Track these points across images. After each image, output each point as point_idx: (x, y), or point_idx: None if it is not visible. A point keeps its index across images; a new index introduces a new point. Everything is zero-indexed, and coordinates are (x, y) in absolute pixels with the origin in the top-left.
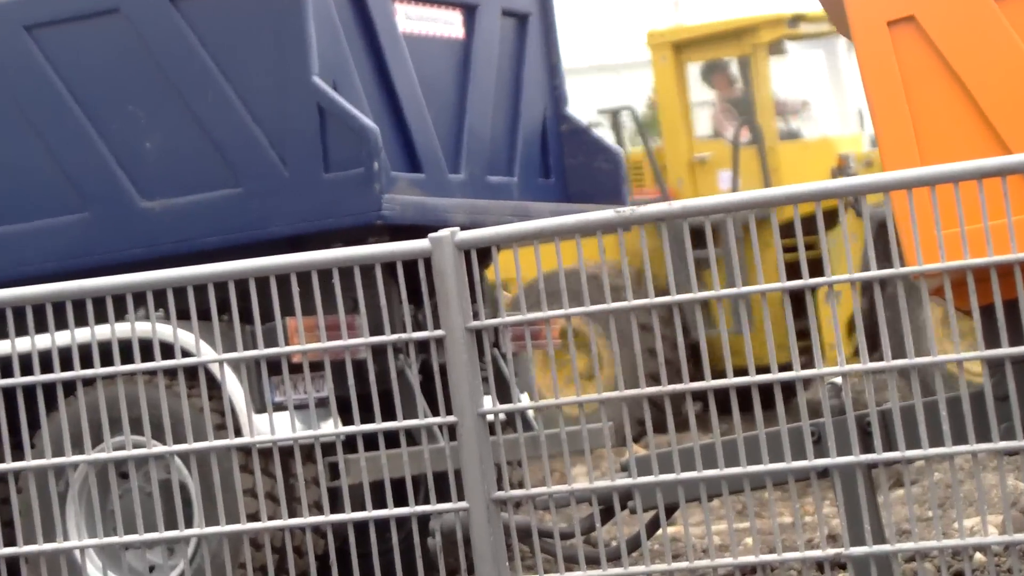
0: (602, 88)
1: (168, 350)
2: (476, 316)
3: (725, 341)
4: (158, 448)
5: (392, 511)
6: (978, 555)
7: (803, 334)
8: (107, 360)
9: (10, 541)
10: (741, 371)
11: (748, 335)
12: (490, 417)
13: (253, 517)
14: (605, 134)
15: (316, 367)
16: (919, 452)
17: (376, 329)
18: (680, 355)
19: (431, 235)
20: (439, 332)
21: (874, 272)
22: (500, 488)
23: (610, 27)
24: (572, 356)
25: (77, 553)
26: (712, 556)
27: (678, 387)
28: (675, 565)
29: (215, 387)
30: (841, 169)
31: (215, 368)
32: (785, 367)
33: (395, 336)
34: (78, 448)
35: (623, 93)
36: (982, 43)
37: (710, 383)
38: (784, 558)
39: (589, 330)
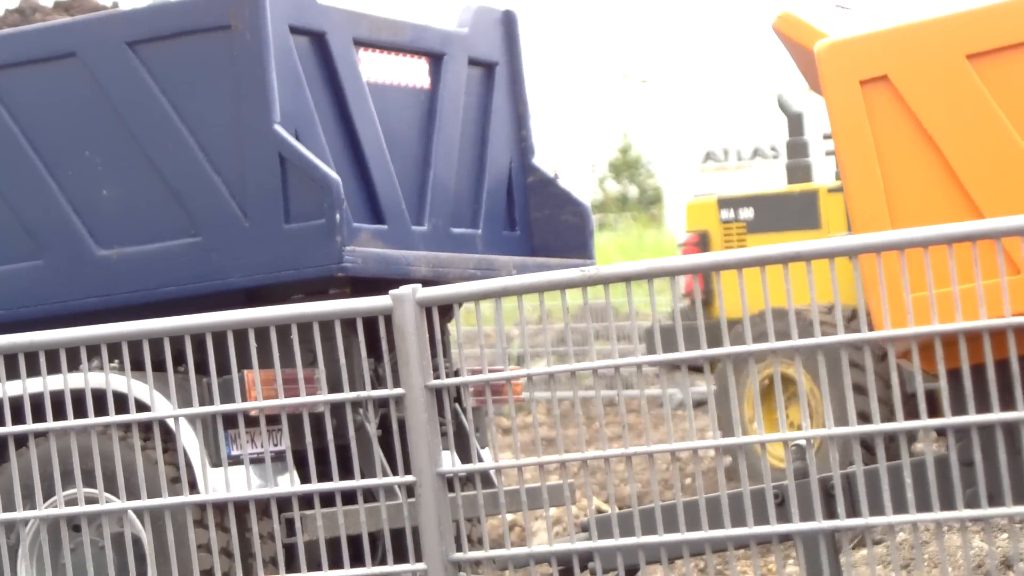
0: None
1: (122, 402)
2: (436, 372)
3: None
4: (111, 505)
5: (349, 572)
6: None
7: None
8: (60, 411)
9: None
10: None
11: None
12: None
13: (207, 573)
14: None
15: (273, 420)
16: (883, 519)
17: (335, 383)
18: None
19: (392, 292)
20: (399, 391)
21: (842, 336)
22: (459, 548)
23: (578, 69)
24: (779, 403)
25: None
26: None
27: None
28: None
29: (170, 440)
30: None
31: (170, 421)
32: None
33: (354, 394)
34: (29, 501)
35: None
36: (955, 103)
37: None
38: None
39: (798, 373)
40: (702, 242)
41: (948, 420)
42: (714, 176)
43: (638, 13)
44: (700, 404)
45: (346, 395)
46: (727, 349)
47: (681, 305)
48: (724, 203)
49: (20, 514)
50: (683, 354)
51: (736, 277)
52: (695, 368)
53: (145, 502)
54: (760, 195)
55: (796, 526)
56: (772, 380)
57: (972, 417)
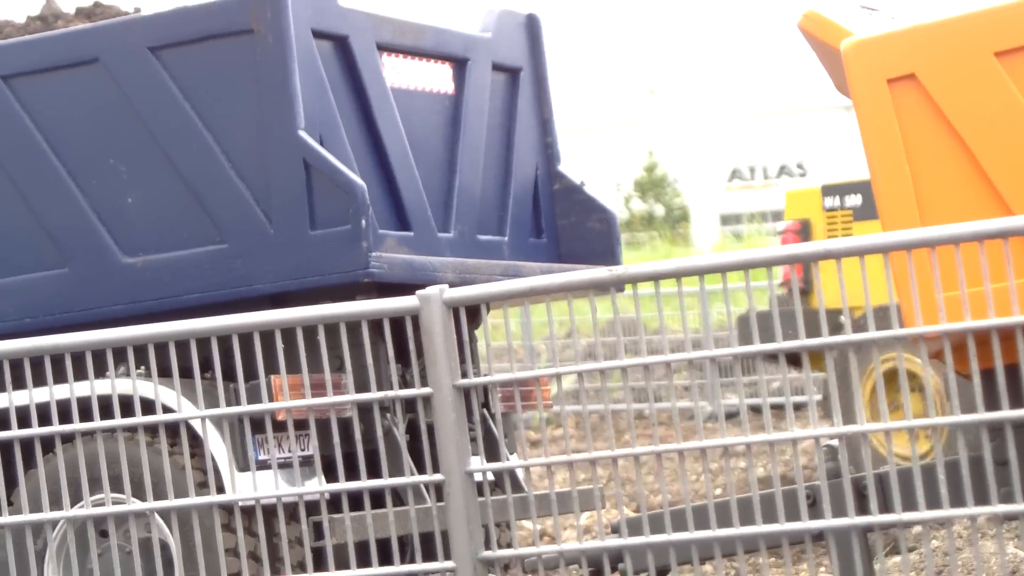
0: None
1: (150, 408)
2: (464, 375)
3: None
4: (138, 504)
5: (377, 571)
6: None
7: None
8: (87, 418)
9: None
10: None
11: None
12: (478, 478)
13: None
14: None
15: (301, 425)
16: (916, 515)
17: (362, 388)
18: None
19: (419, 292)
20: (426, 390)
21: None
22: (487, 547)
23: (603, 87)
24: (905, 397)
25: None
26: None
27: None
28: None
29: (197, 445)
30: None
31: (197, 425)
32: None
33: (381, 394)
34: (57, 506)
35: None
36: (983, 100)
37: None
38: None
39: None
40: (803, 231)
41: (983, 416)
42: (740, 194)
43: (663, 31)
44: (731, 416)
45: (374, 395)
46: (825, 339)
47: (777, 293)
48: (829, 190)
49: (47, 515)
50: (777, 345)
51: (835, 266)
52: (793, 360)
53: (172, 502)
54: (869, 181)
55: (828, 522)
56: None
57: (1007, 413)
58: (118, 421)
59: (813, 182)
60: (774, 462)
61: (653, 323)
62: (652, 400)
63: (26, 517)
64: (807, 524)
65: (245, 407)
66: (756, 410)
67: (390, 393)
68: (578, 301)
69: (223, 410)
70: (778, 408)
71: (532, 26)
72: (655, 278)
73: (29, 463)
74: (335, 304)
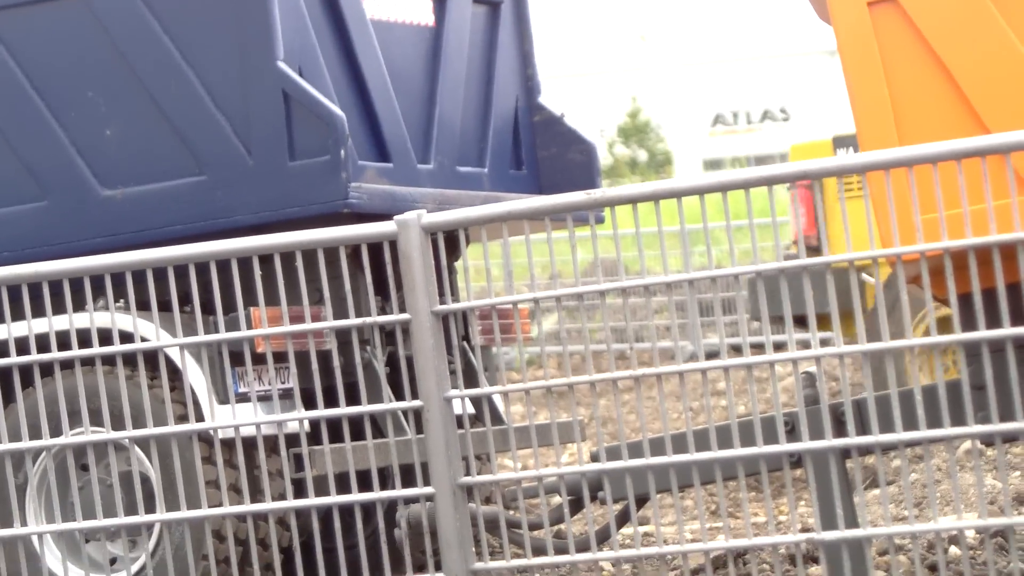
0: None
1: (128, 340)
2: (443, 303)
3: None
4: (117, 434)
5: (356, 496)
6: (953, 549)
7: None
8: (65, 350)
9: None
10: None
11: None
12: (458, 409)
13: (216, 508)
14: None
15: (280, 359)
16: (892, 436)
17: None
18: None
19: (397, 217)
20: (404, 316)
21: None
22: (467, 474)
23: (586, 33)
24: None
25: (36, 543)
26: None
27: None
28: (644, 551)
29: (177, 379)
30: None
31: (176, 357)
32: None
33: (359, 320)
34: (36, 439)
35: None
36: (963, 21)
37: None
38: (754, 543)
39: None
40: (812, 187)
41: (960, 336)
42: (724, 139)
43: None
44: (712, 355)
45: (352, 321)
46: None
47: (786, 252)
48: (841, 142)
49: (27, 443)
50: None
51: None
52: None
53: (151, 430)
54: None
55: (806, 444)
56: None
57: (983, 333)
58: (96, 350)
59: (822, 133)
60: (752, 385)
61: (634, 265)
62: (632, 338)
63: (6, 446)
64: (785, 447)
65: (223, 335)
66: (737, 349)
67: (368, 320)
68: (559, 243)
69: (201, 338)
70: (758, 347)
71: None
72: (633, 201)
73: (8, 398)
74: (313, 230)
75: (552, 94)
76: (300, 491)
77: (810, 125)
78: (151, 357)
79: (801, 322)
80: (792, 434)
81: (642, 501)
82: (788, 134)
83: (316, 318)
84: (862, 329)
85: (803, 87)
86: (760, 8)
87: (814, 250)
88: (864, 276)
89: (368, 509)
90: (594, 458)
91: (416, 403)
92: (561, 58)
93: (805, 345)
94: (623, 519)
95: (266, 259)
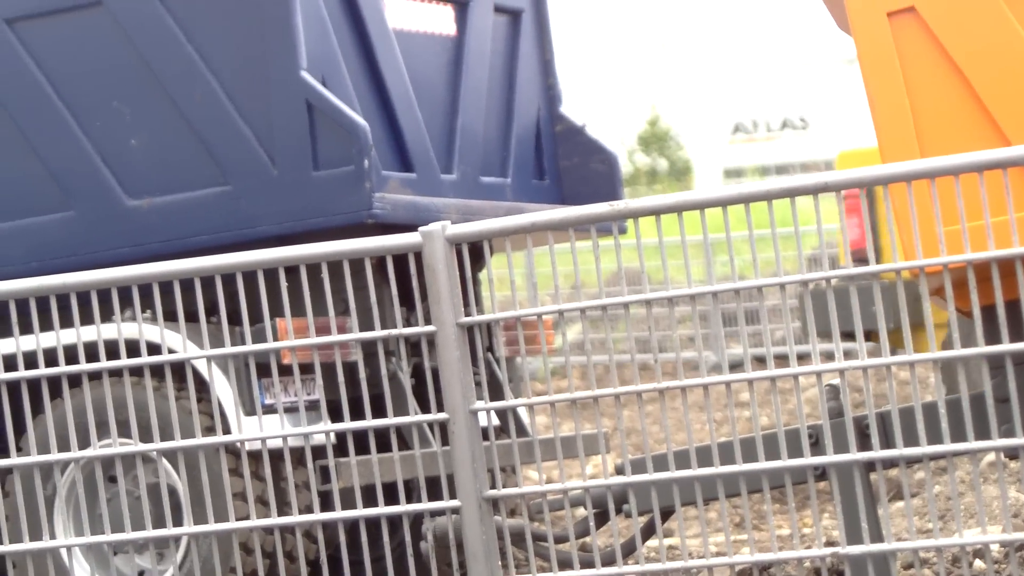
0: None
1: (155, 351)
2: (468, 316)
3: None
4: (145, 446)
5: (383, 509)
6: (978, 562)
7: None
8: (93, 362)
9: None
10: None
11: None
12: (483, 418)
13: (243, 521)
14: None
15: (306, 370)
16: (917, 450)
17: (367, 331)
18: None
19: (422, 229)
20: (430, 328)
21: (875, 268)
22: (493, 486)
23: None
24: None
25: (64, 556)
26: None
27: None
28: (669, 565)
29: (204, 390)
30: None
31: (204, 369)
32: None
33: (385, 332)
34: (65, 451)
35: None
36: (983, 33)
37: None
38: (780, 557)
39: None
40: (870, 193)
41: (983, 349)
42: (743, 148)
43: None
44: (736, 366)
45: (378, 333)
46: None
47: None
48: None
49: (56, 456)
50: None
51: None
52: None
53: (178, 443)
54: None
55: (831, 458)
56: None
57: (1008, 347)
58: (124, 362)
59: (866, 142)
60: (776, 397)
61: (658, 274)
62: (656, 349)
63: (35, 458)
64: (809, 460)
65: (250, 346)
66: (761, 360)
67: (393, 331)
68: (582, 253)
69: (228, 349)
70: (782, 358)
71: None
72: (656, 212)
73: (37, 409)
74: (338, 241)
75: (572, 102)
76: (327, 503)
77: (829, 133)
78: (178, 368)
79: (850, 336)
80: (816, 447)
81: (667, 514)
82: (808, 142)
83: (342, 329)
84: (909, 341)
85: (822, 95)
86: (779, 16)
87: (863, 262)
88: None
89: (394, 522)
90: (619, 471)
91: (442, 416)
92: (581, 65)
93: (829, 357)
94: (648, 532)
95: (292, 270)
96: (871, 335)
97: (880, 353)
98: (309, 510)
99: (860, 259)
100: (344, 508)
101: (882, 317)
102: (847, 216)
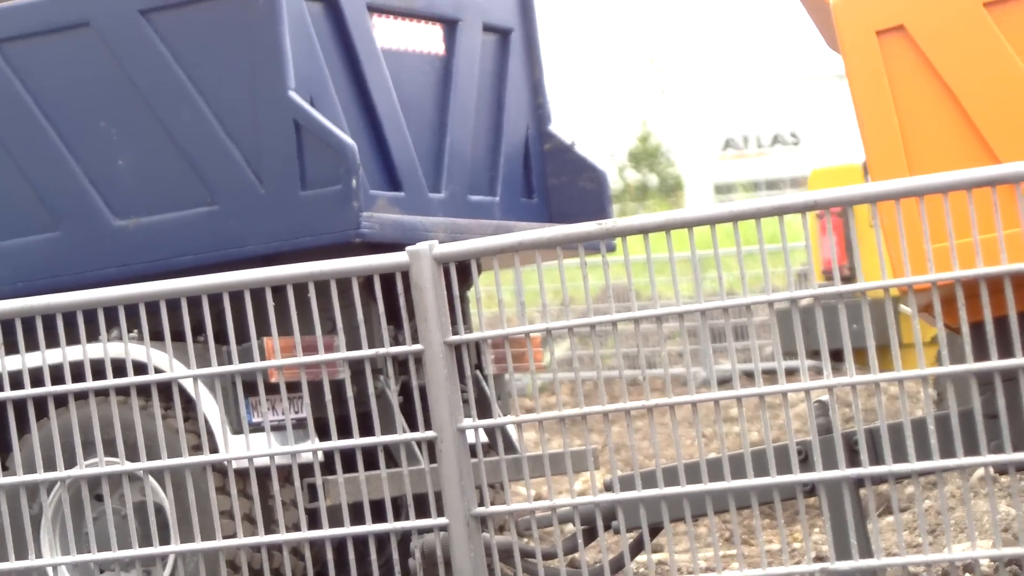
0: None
1: (141, 371)
2: (456, 333)
3: None
4: (132, 465)
5: (370, 527)
6: None
7: None
8: (79, 382)
9: None
10: None
11: None
12: (471, 435)
13: (230, 539)
14: None
15: (294, 388)
16: (906, 466)
17: (355, 350)
18: None
19: (409, 248)
20: (417, 347)
21: (863, 284)
22: (481, 504)
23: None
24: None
25: (50, 574)
26: None
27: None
28: None
29: (191, 409)
30: None
31: (190, 388)
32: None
33: (372, 351)
34: (51, 471)
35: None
36: (972, 51)
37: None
38: (769, 573)
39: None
40: (844, 213)
41: (972, 366)
42: (734, 164)
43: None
44: (724, 382)
45: (365, 352)
46: None
47: (818, 283)
48: None
49: (42, 475)
50: None
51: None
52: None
53: (165, 462)
54: None
55: (820, 474)
56: None
57: (996, 363)
58: (110, 381)
59: (849, 158)
60: (764, 414)
61: (646, 291)
62: (644, 365)
63: (21, 478)
64: (798, 476)
65: (237, 366)
66: (749, 375)
67: (381, 350)
68: (570, 270)
69: (215, 369)
70: (770, 373)
71: None
72: (644, 231)
73: (22, 429)
74: (325, 261)
75: (562, 119)
76: (314, 521)
77: (820, 149)
78: (165, 387)
79: (837, 356)
80: (805, 463)
81: (656, 530)
82: (798, 158)
83: (329, 347)
84: (898, 359)
85: (813, 111)
86: (769, 33)
87: (847, 280)
88: (901, 307)
89: (382, 539)
90: (608, 488)
91: (430, 434)
92: (573, 82)
93: (818, 372)
94: (637, 548)
95: (279, 289)
96: (859, 353)
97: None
98: (296, 528)
99: (843, 276)
100: (332, 526)
101: (870, 334)
102: (821, 234)
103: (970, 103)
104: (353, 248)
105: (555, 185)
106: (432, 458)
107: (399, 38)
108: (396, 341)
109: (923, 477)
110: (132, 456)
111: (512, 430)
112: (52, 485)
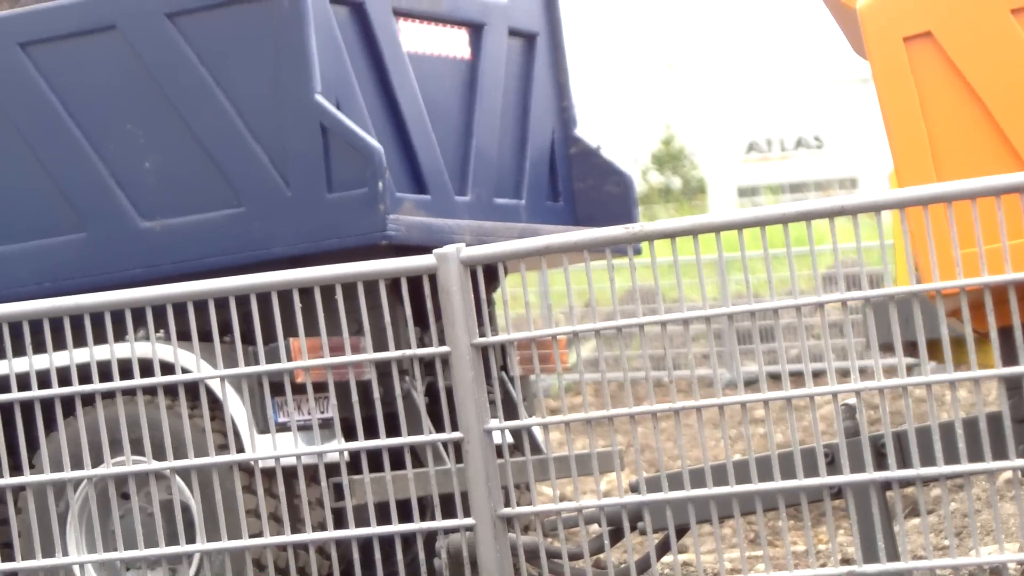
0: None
1: (169, 370)
2: (482, 336)
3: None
4: (159, 464)
5: (396, 527)
6: None
7: None
8: (106, 381)
9: (9, 562)
10: None
11: None
12: (497, 436)
13: (256, 538)
14: None
15: (320, 389)
16: (934, 470)
17: (381, 351)
18: None
19: (436, 251)
20: (444, 348)
21: (889, 290)
22: (507, 505)
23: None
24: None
25: (77, 572)
26: None
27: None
28: None
29: (217, 408)
30: None
31: (217, 388)
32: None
33: (399, 352)
34: (78, 468)
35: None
36: (1000, 57)
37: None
38: (795, 575)
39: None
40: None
41: (1000, 371)
42: (757, 167)
43: (679, 3)
44: (750, 383)
45: (392, 353)
46: None
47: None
48: None
49: (69, 474)
50: None
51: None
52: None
53: (192, 461)
54: None
55: (847, 477)
56: None
57: None
58: (137, 381)
59: (875, 163)
60: (791, 416)
61: (672, 292)
62: (671, 366)
63: (48, 476)
64: (825, 479)
65: (264, 367)
66: (775, 377)
67: (408, 352)
68: (597, 272)
69: (242, 369)
70: (797, 375)
71: None
72: (672, 235)
73: (50, 427)
74: (353, 263)
75: (586, 121)
76: (340, 520)
77: (844, 152)
78: (192, 387)
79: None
80: (832, 465)
81: (682, 531)
82: (822, 161)
83: (355, 348)
84: (949, 358)
85: (836, 115)
86: (793, 36)
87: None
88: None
89: (408, 539)
90: (633, 489)
91: (456, 435)
92: (596, 85)
93: (845, 375)
94: (663, 549)
95: (306, 290)
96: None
97: (896, 372)
98: (322, 527)
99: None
100: (358, 526)
101: (922, 333)
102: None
103: (998, 109)
104: (379, 250)
105: (581, 189)
106: (459, 459)
107: (425, 42)
108: (422, 343)
109: (950, 480)
110: (158, 454)
111: (538, 431)
112: (79, 483)
